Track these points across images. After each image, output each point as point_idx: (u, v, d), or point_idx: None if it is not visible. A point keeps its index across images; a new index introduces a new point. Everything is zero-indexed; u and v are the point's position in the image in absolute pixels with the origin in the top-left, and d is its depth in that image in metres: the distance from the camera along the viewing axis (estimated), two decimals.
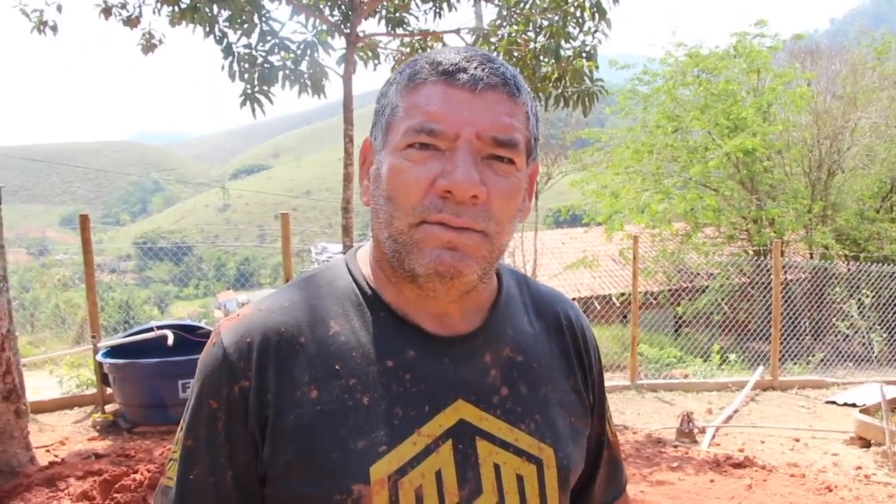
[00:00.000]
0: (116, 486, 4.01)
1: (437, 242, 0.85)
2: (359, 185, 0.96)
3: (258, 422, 0.86)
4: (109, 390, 5.95)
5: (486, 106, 0.86)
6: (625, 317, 12.81)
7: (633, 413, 7.12)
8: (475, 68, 0.86)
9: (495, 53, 6.59)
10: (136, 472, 4.22)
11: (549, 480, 0.94)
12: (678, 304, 13.83)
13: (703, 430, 6.34)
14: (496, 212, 0.86)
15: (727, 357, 9.99)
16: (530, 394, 0.96)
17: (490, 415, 0.92)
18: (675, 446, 5.95)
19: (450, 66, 0.86)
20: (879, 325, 10.86)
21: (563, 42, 6.38)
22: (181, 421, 0.93)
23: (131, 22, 6.46)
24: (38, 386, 6.81)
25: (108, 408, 6.03)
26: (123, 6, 6.43)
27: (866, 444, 6.05)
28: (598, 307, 14.60)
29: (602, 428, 1.11)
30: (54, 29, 6.48)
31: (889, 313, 10.81)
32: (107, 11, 6.39)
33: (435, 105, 0.85)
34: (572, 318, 1.07)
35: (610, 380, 8.26)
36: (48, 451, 5.07)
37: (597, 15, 6.32)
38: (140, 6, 6.43)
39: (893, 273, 10.56)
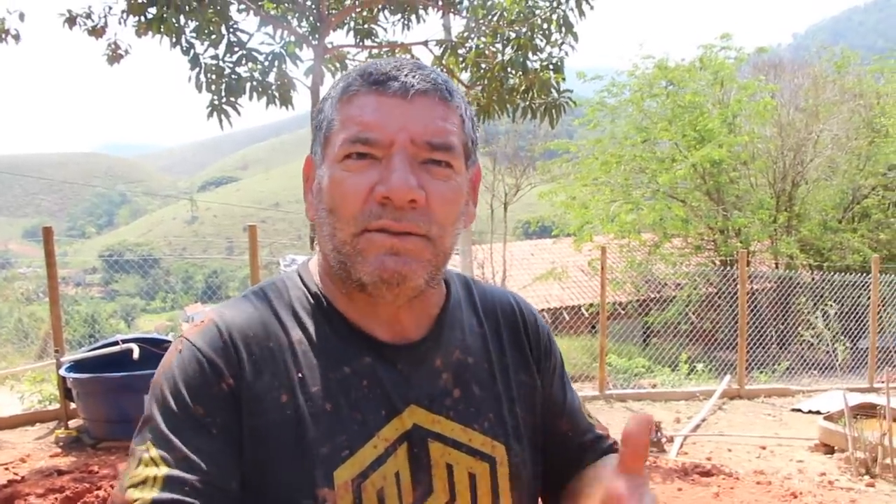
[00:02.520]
0: (79, 503, 3.93)
1: (380, 249, 0.86)
2: (305, 203, 0.97)
3: (244, 417, 0.85)
4: (73, 405, 5.84)
5: (420, 111, 0.87)
6: (594, 327, 12.89)
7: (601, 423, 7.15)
8: (405, 76, 0.87)
9: (463, 65, 6.65)
10: (99, 488, 4.15)
11: (502, 478, 0.96)
12: (646, 315, 13.96)
13: (671, 439, 6.39)
14: (438, 216, 0.87)
15: (695, 366, 10.09)
16: (483, 393, 0.97)
17: (443, 417, 0.93)
18: None
19: (380, 76, 0.87)
20: (842, 333, 11.06)
21: (530, 54, 6.43)
22: (146, 443, 0.83)
23: (96, 32, 6.39)
24: None
25: (72, 423, 5.91)
26: (88, 16, 6.35)
27: (830, 450, 6.14)
28: (568, 318, 14.69)
29: (571, 424, 1.08)
30: (17, 38, 6.38)
31: (851, 322, 11.02)
32: (71, 21, 6.31)
33: (368, 115, 0.86)
34: (524, 312, 1.08)
35: (579, 390, 8.30)
36: (7, 468, 4.95)
37: (564, 28, 6.38)
38: (105, 16, 6.36)
39: (856, 282, 10.76)
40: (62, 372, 5.74)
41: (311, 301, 0.94)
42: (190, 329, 0.91)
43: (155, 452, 0.82)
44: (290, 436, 0.86)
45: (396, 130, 0.86)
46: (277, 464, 0.85)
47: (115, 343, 5.93)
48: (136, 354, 5.67)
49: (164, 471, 0.81)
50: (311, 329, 0.92)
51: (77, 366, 5.81)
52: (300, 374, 0.88)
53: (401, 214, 0.85)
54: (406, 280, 0.87)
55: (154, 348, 5.76)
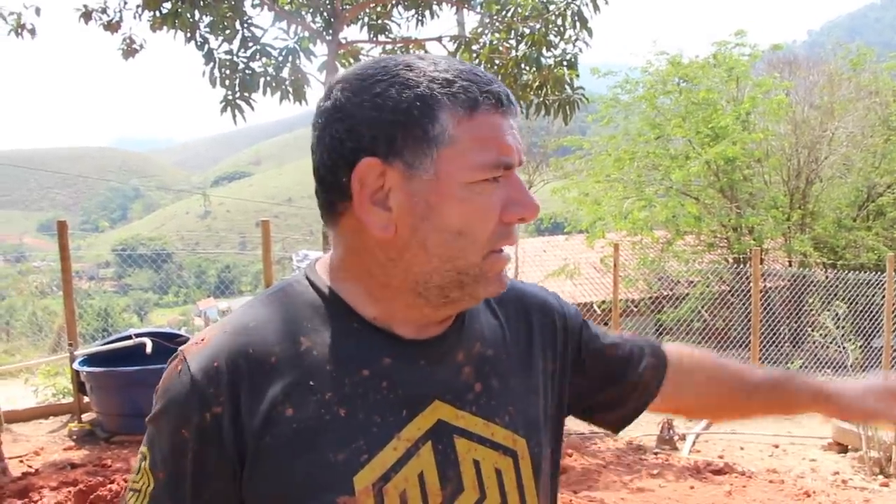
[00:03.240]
0: (92, 496, 3.96)
1: (500, 268, 0.90)
2: (362, 214, 0.86)
3: (235, 447, 0.84)
4: (86, 399, 5.88)
5: (516, 130, 0.89)
6: (606, 324, 12.85)
7: None
8: (511, 96, 0.88)
9: (477, 61, 6.64)
10: (112, 482, 4.17)
11: (525, 470, 0.95)
12: (659, 312, 13.91)
13: (683, 437, 6.37)
14: None
15: None
16: (502, 386, 0.97)
17: (466, 412, 0.92)
18: (656, 453, 5.97)
19: (503, 97, 0.87)
20: (856, 332, 10.98)
21: (544, 50, 6.41)
22: (144, 448, 0.89)
23: (112, 27, 6.42)
24: (12, 395, 6.71)
25: (85, 417, 5.96)
26: (104, 11, 6.39)
27: (843, 449, 6.11)
28: None
29: (613, 349, 1.13)
30: (32, 32, 6.42)
31: (865, 320, 10.93)
32: (87, 16, 6.35)
33: (502, 138, 0.86)
34: (530, 295, 1.08)
35: None
36: (22, 461, 5.00)
37: (578, 23, 6.35)
38: (121, 11, 6.40)
39: (870, 280, 10.68)
40: (76, 366, 5.78)
41: (325, 305, 0.91)
42: (190, 345, 0.90)
43: (147, 464, 0.88)
44: (302, 448, 0.84)
45: (516, 152, 0.87)
46: (291, 477, 0.84)
47: (129, 337, 5.96)
48: (149, 348, 5.70)
49: (150, 488, 0.87)
50: (326, 334, 0.89)
51: (90, 359, 5.85)
52: (311, 383, 0.86)
53: (516, 231, 0.90)
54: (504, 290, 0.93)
55: (167, 342, 5.80)
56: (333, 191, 0.88)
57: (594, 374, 1.10)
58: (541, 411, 1.00)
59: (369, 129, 0.84)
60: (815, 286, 12.06)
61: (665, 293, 14.42)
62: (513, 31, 6.57)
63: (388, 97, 0.83)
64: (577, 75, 6.58)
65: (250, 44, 6.20)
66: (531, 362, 1.02)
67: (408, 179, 0.84)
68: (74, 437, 5.67)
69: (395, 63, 0.86)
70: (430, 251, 0.85)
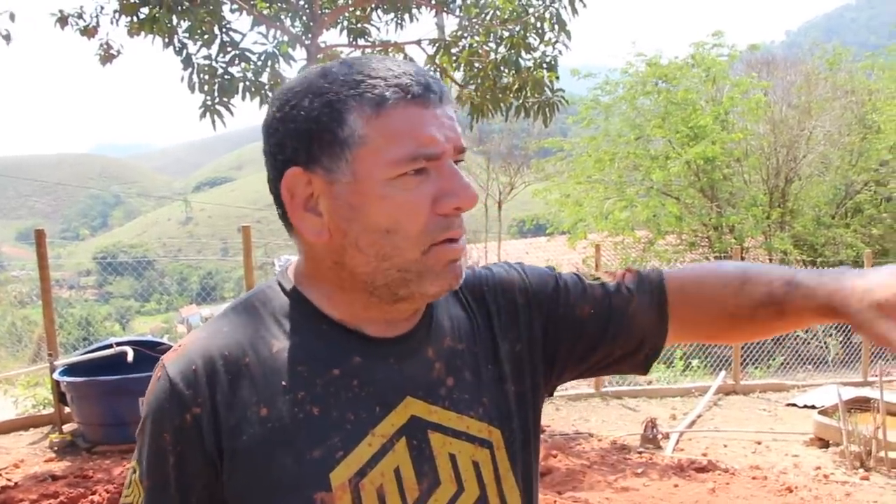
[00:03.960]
0: None
1: (451, 257, 0.88)
2: (296, 222, 0.90)
3: (215, 447, 0.86)
4: (67, 410, 5.82)
5: (448, 118, 0.88)
6: None
7: (597, 420, 7.17)
8: (432, 84, 0.87)
9: (456, 64, 6.65)
10: (93, 493, 4.14)
11: (501, 461, 0.96)
12: None
13: (666, 436, 6.40)
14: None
15: (690, 363, 10.11)
16: (475, 379, 0.98)
17: (439, 407, 0.93)
18: (640, 452, 6.00)
19: (415, 87, 0.85)
20: (835, 328, 11.09)
21: (523, 53, 6.44)
22: (133, 462, 0.92)
23: (88, 32, 6.37)
24: None
25: (66, 427, 5.90)
26: (80, 16, 6.34)
27: (825, 444, 6.17)
28: None
29: (589, 304, 1.06)
30: (7, 38, 6.35)
31: None
32: (63, 21, 6.30)
33: (420, 129, 0.85)
34: (496, 279, 1.07)
35: (575, 387, 8.31)
36: (1, 474, 4.93)
37: (557, 26, 6.39)
38: (97, 16, 6.35)
39: None
40: (56, 376, 5.72)
41: (294, 308, 0.93)
42: (170, 354, 0.92)
43: (137, 476, 0.90)
44: (277, 446, 0.86)
45: (445, 141, 0.86)
46: (268, 475, 0.86)
47: (110, 346, 5.91)
48: (130, 357, 5.65)
49: (141, 497, 0.89)
50: (296, 337, 0.91)
51: (71, 369, 5.79)
52: (284, 384, 0.88)
53: (459, 221, 0.88)
54: (460, 282, 0.91)
55: (149, 351, 5.75)
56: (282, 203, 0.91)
57: (583, 335, 1.05)
58: (512, 398, 1.00)
59: (291, 141, 0.87)
60: None
61: None
62: (492, 34, 6.59)
63: (302, 107, 0.86)
64: (557, 77, 6.61)
65: (229, 49, 6.17)
66: (497, 350, 1.02)
67: (330, 184, 0.87)
68: (55, 448, 5.60)
69: (314, 73, 0.89)
70: (365, 251, 0.87)
